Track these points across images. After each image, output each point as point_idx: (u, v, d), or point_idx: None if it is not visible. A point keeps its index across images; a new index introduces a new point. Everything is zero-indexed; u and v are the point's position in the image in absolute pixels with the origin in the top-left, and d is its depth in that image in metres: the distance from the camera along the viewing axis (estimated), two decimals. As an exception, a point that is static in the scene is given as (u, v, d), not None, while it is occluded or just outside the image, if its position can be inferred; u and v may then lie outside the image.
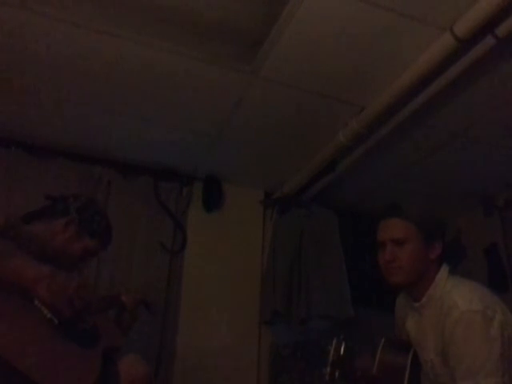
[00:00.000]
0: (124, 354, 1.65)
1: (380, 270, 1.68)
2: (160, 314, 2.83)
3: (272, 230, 3.35)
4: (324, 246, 3.20)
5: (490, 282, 3.15)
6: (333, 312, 2.99)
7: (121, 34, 2.03)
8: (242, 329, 3.08)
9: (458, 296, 1.52)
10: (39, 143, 2.88)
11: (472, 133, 2.63)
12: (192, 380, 2.84)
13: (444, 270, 1.63)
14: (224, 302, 3.09)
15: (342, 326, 3.03)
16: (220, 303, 3.08)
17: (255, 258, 3.29)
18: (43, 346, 1.37)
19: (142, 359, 1.67)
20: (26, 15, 1.94)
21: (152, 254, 2.99)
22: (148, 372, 1.64)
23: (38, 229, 1.62)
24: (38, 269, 1.37)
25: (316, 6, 1.86)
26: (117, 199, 3.01)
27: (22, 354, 1.29)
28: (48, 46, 2.11)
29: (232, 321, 3.06)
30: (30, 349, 1.32)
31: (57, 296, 1.36)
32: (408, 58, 2.06)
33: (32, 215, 1.68)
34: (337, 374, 1.45)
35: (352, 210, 3.58)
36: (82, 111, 2.59)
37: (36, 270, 1.36)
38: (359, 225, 3.55)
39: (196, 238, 3.18)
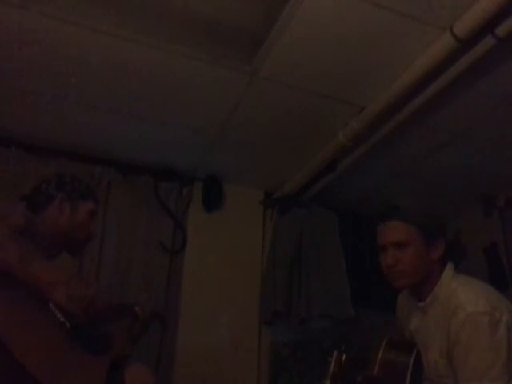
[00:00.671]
0: (131, 362, 1.65)
1: (383, 273, 1.66)
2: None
3: (272, 230, 3.35)
4: (324, 246, 3.20)
5: (489, 281, 3.14)
6: (333, 312, 2.99)
7: (121, 33, 2.03)
8: (242, 329, 3.08)
9: (464, 296, 1.50)
10: (39, 143, 2.88)
11: (472, 133, 2.63)
12: (192, 380, 2.84)
13: (449, 269, 1.61)
14: (224, 302, 3.08)
15: (341, 326, 3.03)
16: (220, 303, 3.08)
17: (255, 257, 3.29)
18: (51, 347, 1.38)
19: (149, 369, 1.68)
20: (25, 15, 1.94)
21: (152, 253, 2.99)
22: (153, 381, 1.64)
23: (41, 223, 1.63)
24: (57, 274, 1.38)
25: (316, 6, 1.86)
26: (117, 199, 3.01)
27: (30, 353, 1.30)
28: (48, 45, 2.11)
29: (232, 321, 3.06)
30: (37, 348, 1.34)
31: (74, 302, 1.37)
32: (408, 58, 2.06)
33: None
34: None
35: (352, 210, 3.58)
36: (82, 111, 2.58)
37: (54, 275, 1.37)
38: (359, 225, 3.55)
39: (196, 238, 3.18)
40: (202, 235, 3.20)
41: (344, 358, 1.44)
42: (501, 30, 1.81)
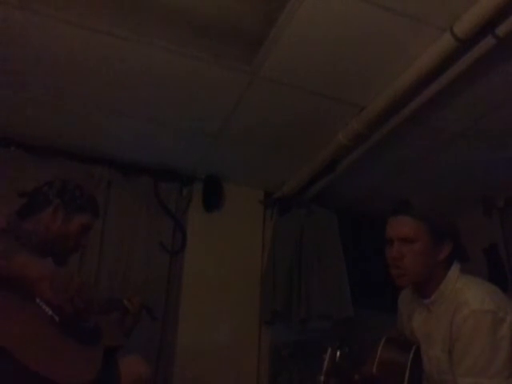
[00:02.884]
0: (125, 354, 1.66)
1: (384, 272, 1.66)
2: (160, 313, 2.83)
3: (272, 229, 3.35)
4: (324, 246, 3.20)
5: (489, 282, 3.14)
6: (333, 312, 2.99)
7: (121, 33, 2.03)
8: (242, 329, 3.08)
9: (469, 294, 1.51)
10: (39, 143, 2.88)
11: (472, 133, 2.63)
12: (192, 380, 2.84)
13: (455, 268, 1.61)
14: (224, 302, 3.08)
15: (341, 326, 3.03)
16: (220, 303, 3.08)
17: (255, 257, 3.29)
18: (43, 339, 1.39)
19: (143, 359, 1.68)
20: (25, 15, 1.94)
21: (152, 253, 2.99)
22: (149, 372, 1.65)
23: (30, 226, 1.63)
24: (42, 267, 1.39)
25: (316, 6, 1.86)
26: (117, 199, 3.01)
27: (23, 347, 1.31)
28: (48, 45, 2.11)
29: (232, 321, 3.06)
30: (30, 342, 1.35)
31: (59, 294, 1.37)
32: (408, 58, 2.06)
33: (21, 214, 1.68)
34: (332, 382, 1.44)
35: (352, 210, 3.58)
36: (82, 111, 2.59)
37: (39, 268, 1.38)
38: (359, 225, 3.55)
39: (196, 238, 3.18)
40: (201, 235, 3.20)
41: (338, 354, 1.44)
42: (501, 30, 1.81)
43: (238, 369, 2.97)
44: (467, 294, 1.51)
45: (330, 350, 1.44)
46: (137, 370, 1.60)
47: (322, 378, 1.41)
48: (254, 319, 3.13)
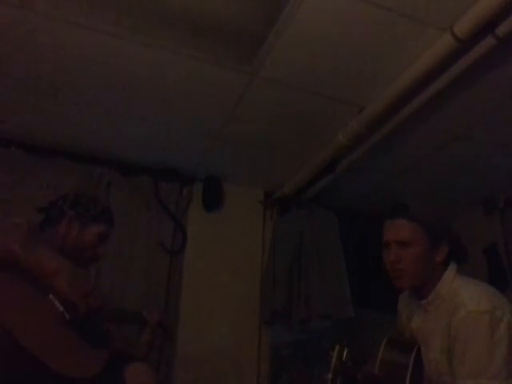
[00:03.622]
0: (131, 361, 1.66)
1: (384, 272, 1.66)
2: (160, 313, 2.83)
3: (272, 230, 3.35)
4: (324, 246, 3.20)
5: (489, 282, 3.13)
6: (333, 312, 2.99)
7: (121, 34, 2.03)
8: (242, 329, 3.08)
9: (466, 295, 1.50)
10: (39, 143, 2.88)
11: (472, 133, 2.63)
12: (192, 380, 2.84)
13: (452, 269, 1.61)
14: (224, 302, 3.08)
15: (341, 326, 3.03)
16: (220, 303, 3.08)
17: (255, 257, 3.29)
18: (50, 330, 1.41)
19: (149, 367, 1.69)
20: (25, 15, 1.94)
21: (152, 254, 2.99)
22: (153, 380, 1.65)
23: (49, 237, 1.67)
24: (60, 261, 1.42)
25: (316, 7, 1.86)
26: (117, 199, 3.01)
27: (28, 333, 1.34)
28: (48, 46, 2.11)
29: (232, 321, 3.06)
30: (36, 330, 1.37)
31: (74, 289, 1.40)
32: (408, 58, 2.06)
33: (41, 227, 1.73)
34: (338, 380, 1.44)
35: (352, 210, 3.58)
36: (82, 111, 2.58)
37: (58, 262, 1.41)
38: (359, 225, 3.55)
39: (196, 238, 3.18)
40: (202, 235, 3.20)
41: (346, 352, 1.44)
42: (501, 30, 1.82)
43: (238, 369, 2.97)
44: (464, 295, 1.51)
45: (337, 348, 1.45)
46: (141, 378, 1.60)
47: (330, 375, 1.41)
48: (253, 319, 3.13)
